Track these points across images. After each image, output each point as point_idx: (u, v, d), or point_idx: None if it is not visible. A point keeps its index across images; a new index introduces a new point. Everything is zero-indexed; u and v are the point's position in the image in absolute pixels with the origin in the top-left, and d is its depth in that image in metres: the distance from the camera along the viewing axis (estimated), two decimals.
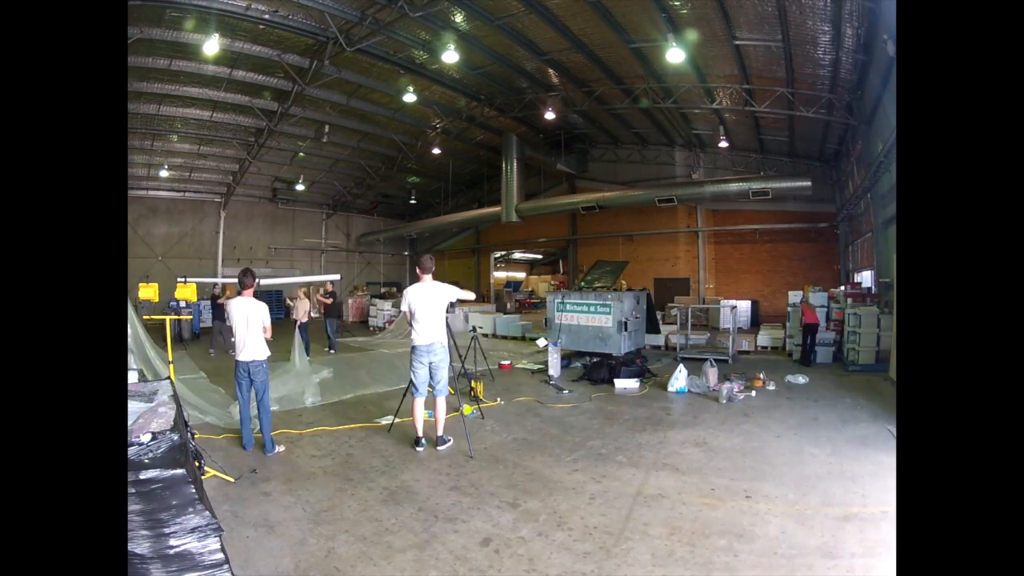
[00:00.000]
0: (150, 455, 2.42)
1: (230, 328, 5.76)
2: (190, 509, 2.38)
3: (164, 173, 19.23)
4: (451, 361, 5.73)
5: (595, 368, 9.13)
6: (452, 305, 5.72)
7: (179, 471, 2.40)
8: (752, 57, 11.68)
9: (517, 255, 31.79)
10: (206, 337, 14.22)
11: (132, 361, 5.97)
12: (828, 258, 17.19)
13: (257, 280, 5.68)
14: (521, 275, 34.44)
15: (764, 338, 12.93)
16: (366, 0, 10.80)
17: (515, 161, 19.16)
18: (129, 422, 2.74)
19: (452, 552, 3.36)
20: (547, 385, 8.73)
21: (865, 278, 13.80)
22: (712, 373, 8.06)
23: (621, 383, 8.35)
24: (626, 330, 10.45)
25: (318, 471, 4.84)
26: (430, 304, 5.44)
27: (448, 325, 5.65)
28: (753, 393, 7.76)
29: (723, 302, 15.23)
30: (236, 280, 5.60)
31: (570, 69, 13.83)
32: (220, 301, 13.40)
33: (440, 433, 5.47)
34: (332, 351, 12.62)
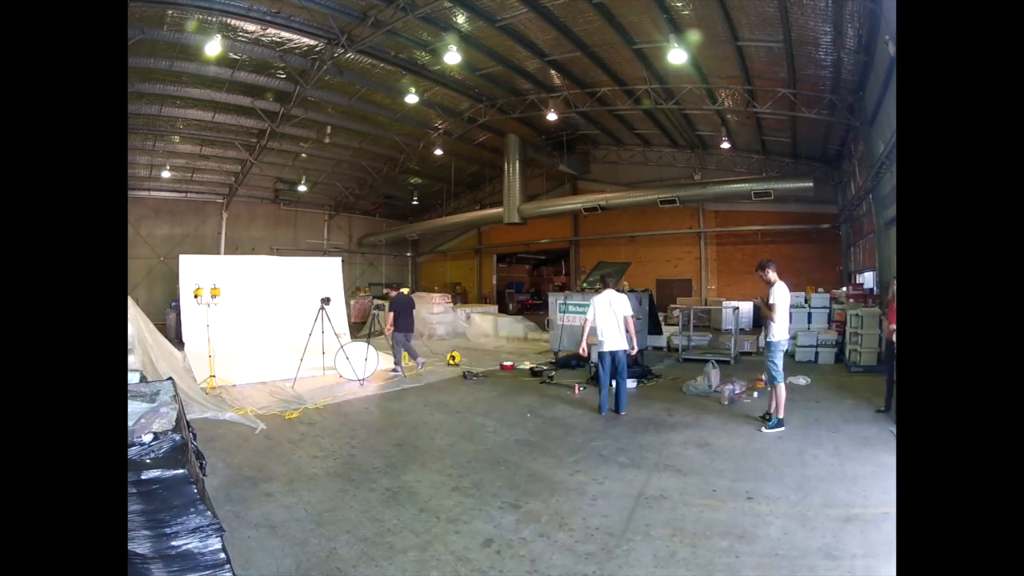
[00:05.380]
0: (152, 455, 2.43)
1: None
2: (192, 509, 2.39)
3: (166, 174, 19.29)
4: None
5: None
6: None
7: (180, 471, 2.40)
8: (754, 58, 11.67)
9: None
10: None
11: (134, 362, 6.00)
12: (830, 259, 17.15)
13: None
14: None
15: None
16: (367, 1, 10.83)
17: (517, 162, 19.18)
18: (131, 422, 2.74)
19: (454, 553, 3.37)
20: (548, 386, 8.74)
21: (867, 279, 13.79)
22: (714, 374, 8.05)
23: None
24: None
25: (320, 472, 4.85)
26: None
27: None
28: (755, 394, 7.75)
29: (725, 303, 15.20)
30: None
31: (572, 70, 13.84)
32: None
33: None
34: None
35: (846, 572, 3.11)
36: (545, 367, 10.21)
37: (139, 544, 2.27)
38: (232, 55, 12.47)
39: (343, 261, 15.37)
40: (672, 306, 16.61)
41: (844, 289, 12.51)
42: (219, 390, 8.12)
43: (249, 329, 12.03)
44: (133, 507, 2.25)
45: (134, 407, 3.03)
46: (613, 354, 6.89)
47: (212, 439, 5.58)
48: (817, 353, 11.10)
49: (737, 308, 12.85)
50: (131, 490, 2.24)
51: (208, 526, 2.41)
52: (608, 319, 6.80)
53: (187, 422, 3.40)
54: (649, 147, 19.85)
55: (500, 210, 20.29)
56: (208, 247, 21.47)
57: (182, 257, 13.23)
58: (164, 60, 12.34)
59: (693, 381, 8.14)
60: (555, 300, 11.31)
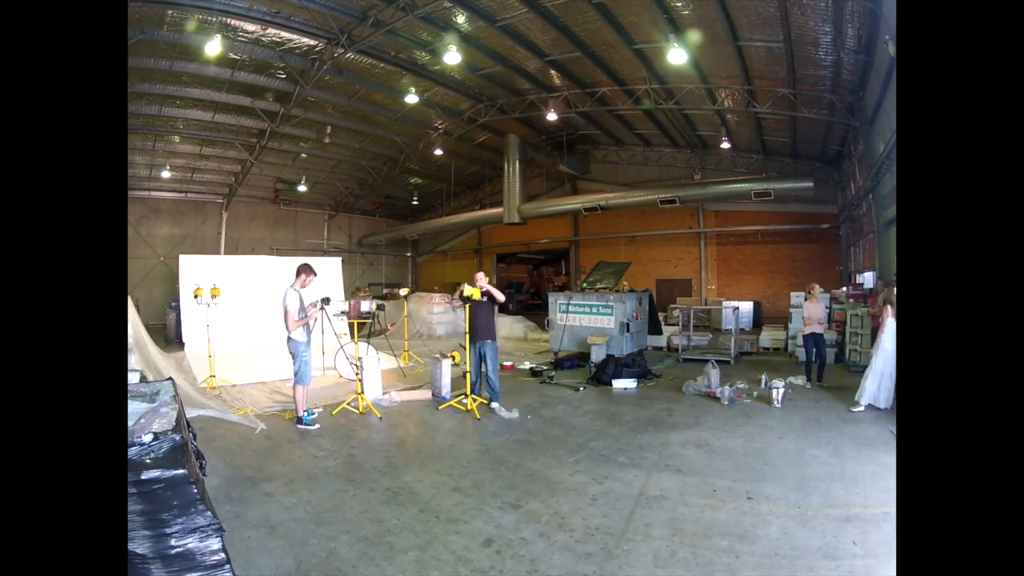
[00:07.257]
0: (152, 455, 2.43)
1: None
2: (192, 509, 2.39)
3: (166, 174, 19.29)
4: None
5: (602, 368, 9.15)
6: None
7: (181, 471, 2.41)
8: (754, 58, 11.67)
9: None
10: None
11: (134, 362, 6.00)
12: (830, 259, 17.16)
13: None
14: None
15: (766, 339, 12.91)
16: (367, 1, 10.83)
17: (517, 162, 19.17)
18: (131, 423, 2.74)
19: (454, 553, 3.36)
20: (548, 386, 8.73)
21: (867, 279, 13.79)
22: (714, 374, 8.04)
23: (619, 383, 8.40)
24: (628, 331, 10.47)
25: (320, 472, 4.85)
26: None
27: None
28: (755, 394, 7.75)
29: (725, 303, 15.21)
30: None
31: (572, 70, 13.83)
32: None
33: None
34: None
35: (846, 572, 3.11)
36: (545, 367, 10.21)
37: (139, 544, 2.27)
38: (232, 55, 12.46)
39: (343, 261, 15.36)
40: (672, 306, 16.62)
41: (844, 289, 12.52)
42: (219, 390, 8.12)
43: (249, 329, 12.01)
44: (133, 507, 2.25)
45: (134, 407, 3.04)
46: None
47: (212, 439, 5.59)
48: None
49: (737, 308, 12.84)
50: (131, 490, 2.24)
51: (208, 526, 2.41)
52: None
53: (187, 422, 3.41)
54: (649, 147, 19.85)
55: (500, 210, 20.28)
56: (208, 247, 21.45)
57: (182, 257, 13.23)
58: (164, 60, 12.33)
59: (693, 381, 8.14)
60: (555, 300, 11.31)
